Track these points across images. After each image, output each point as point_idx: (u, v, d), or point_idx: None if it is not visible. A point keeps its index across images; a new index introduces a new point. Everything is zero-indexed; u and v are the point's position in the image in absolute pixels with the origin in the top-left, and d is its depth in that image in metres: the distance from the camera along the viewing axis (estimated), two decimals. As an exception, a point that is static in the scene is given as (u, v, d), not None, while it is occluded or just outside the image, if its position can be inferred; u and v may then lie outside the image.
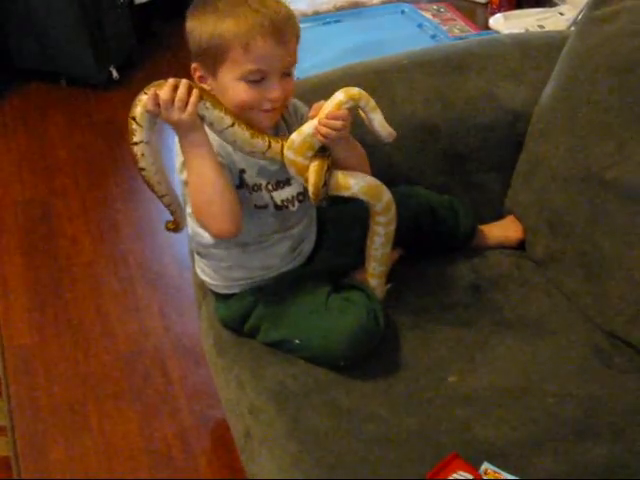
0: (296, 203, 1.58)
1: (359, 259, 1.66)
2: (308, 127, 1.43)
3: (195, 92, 1.35)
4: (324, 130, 1.41)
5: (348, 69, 1.88)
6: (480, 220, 1.84)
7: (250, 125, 1.44)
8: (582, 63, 1.72)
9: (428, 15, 2.77)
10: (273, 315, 1.58)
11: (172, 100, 1.34)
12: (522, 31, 2.50)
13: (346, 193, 1.50)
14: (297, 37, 1.47)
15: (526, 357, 1.55)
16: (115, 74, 3.54)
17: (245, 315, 1.60)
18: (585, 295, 1.65)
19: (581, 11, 1.86)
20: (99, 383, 2.18)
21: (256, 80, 1.43)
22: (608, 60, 1.66)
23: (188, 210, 1.56)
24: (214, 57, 1.43)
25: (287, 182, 1.56)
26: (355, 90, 1.44)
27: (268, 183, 1.54)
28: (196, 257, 1.68)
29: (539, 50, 1.93)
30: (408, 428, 1.40)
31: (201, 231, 1.56)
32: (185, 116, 1.36)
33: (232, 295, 1.63)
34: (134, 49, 3.70)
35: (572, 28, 1.94)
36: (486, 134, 1.86)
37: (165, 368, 2.22)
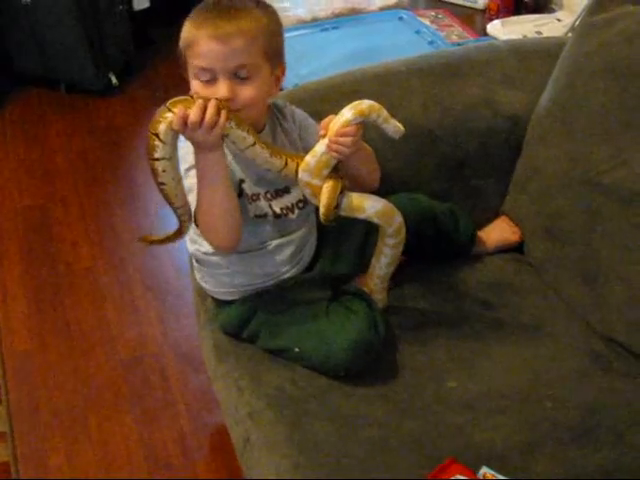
0: (296, 210, 1.58)
1: (359, 266, 1.66)
2: (320, 147, 1.43)
3: (223, 113, 1.33)
4: (335, 147, 1.40)
5: (346, 75, 1.89)
6: (478, 225, 1.85)
7: (268, 144, 1.45)
8: (579, 69, 1.73)
9: (426, 21, 2.78)
10: (273, 322, 1.58)
11: (201, 121, 1.31)
12: (520, 37, 2.51)
13: (360, 215, 1.50)
14: (249, 38, 1.43)
15: (525, 362, 1.55)
16: (114, 80, 3.54)
17: (245, 321, 1.60)
18: (583, 300, 1.66)
19: (578, 17, 1.87)
20: (98, 389, 2.18)
21: (207, 80, 1.43)
22: (605, 65, 1.67)
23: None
24: (183, 61, 1.47)
25: (286, 190, 1.56)
26: (364, 105, 1.41)
27: (267, 192, 1.55)
28: (195, 264, 1.69)
29: (537, 56, 1.94)
30: (407, 433, 1.41)
31: (200, 239, 1.57)
32: (211, 138, 1.34)
33: (232, 301, 1.63)
34: (133, 55, 3.71)
35: (569, 34, 1.95)
36: (484, 140, 1.87)
37: (164, 374, 2.22)
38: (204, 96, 1.36)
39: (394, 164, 1.80)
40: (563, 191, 1.71)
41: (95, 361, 2.27)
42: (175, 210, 1.45)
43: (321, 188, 1.45)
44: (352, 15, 2.81)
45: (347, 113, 1.41)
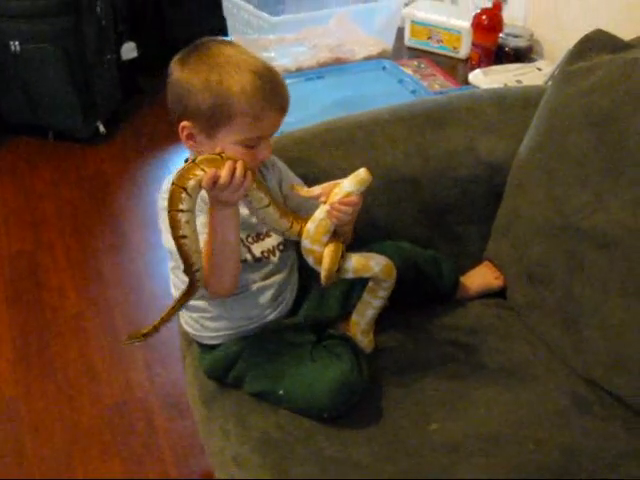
0: (277, 253, 1.61)
1: (345, 309, 1.68)
2: (320, 213, 1.46)
3: (249, 175, 1.36)
4: (336, 214, 1.43)
5: (331, 123, 1.92)
6: (461, 270, 1.87)
7: (279, 205, 1.48)
8: (559, 116, 1.76)
9: (409, 71, 2.81)
10: (257, 366, 1.58)
11: (229, 183, 1.34)
12: (501, 86, 2.54)
13: (367, 274, 1.54)
14: None
15: (507, 405, 1.56)
16: (102, 129, 3.58)
17: (229, 366, 1.60)
18: (564, 343, 1.67)
19: (558, 66, 1.90)
20: (84, 434, 2.18)
21: (252, 145, 1.47)
22: (584, 113, 1.70)
23: (171, 264, 1.58)
24: (215, 120, 1.45)
25: (267, 233, 1.59)
26: (363, 174, 1.43)
27: (248, 236, 1.57)
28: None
29: (517, 104, 1.97)
30: (391, 475, 1.41)
31: (182, 285, 1.58)
32: (236, 198, 1.37)
33: (216, 346, 1.64)
34: (121, 104, 3.75)
35: (549, 83, 1.98)
36: (466, 187, 1.89)
37: (150, 419, 2.22)
38: (233, 156, 1.37)
39: (377, 211, 1.83)
40: (543, 236, 1.73)
41: (81, 407, 2.27)
42: (194, 274, 1.41)
43: (322, 254, 1.48)
44: (336, 65, 2.85)
45: (348, 186, 1.43)
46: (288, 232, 1.50)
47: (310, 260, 1.50)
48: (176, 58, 1.51)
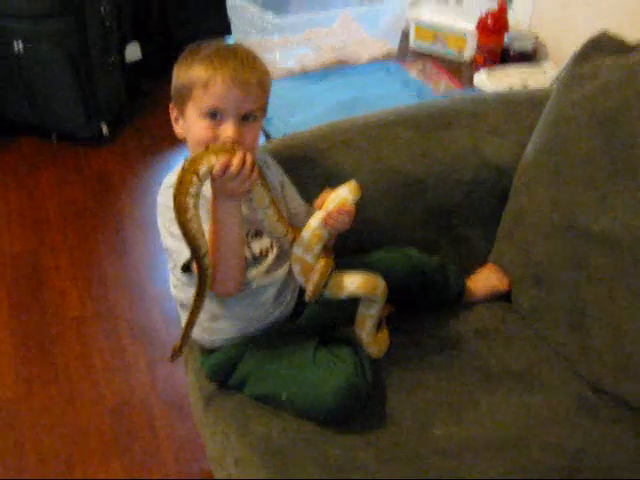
0: (275, 250, 1.60)
1: (349, 312, 1.66)
2: (315, 220, 1.46)
3: (256, 168, 1.37)
4: (333, 222, 1.44)
5: (334, 125, 1.91)
6: (466, 273, 1.86)
7: (278, 209, 1.48)
8: (565, 118, 1.75)
9: (413, 73, 2.80)
10: (259, 369, 1.57)
11: (238, 173, 1.34)
12: (506, 88, 2.53)
13: (343, 295, 1.52)
14: (262, 88, 1.50)
15: (512, 409, 1.55)
16: (105, 130, 3.57)
17: (231, 369, 1.60)
18: (570, 347, 1.66)
19: (564, 69, 1.89)
20: (85, 437, 2.17)
21: (214, 118, 1.46)
22: (590, 115, 1.69)
23: (170, 265, 1.57)
24: (182, 96, 1.49)
25: None
26: (355, 184, 1.46)
27: (248, 232, 1.56)
28: (179, 310, 1.68)
29: (522, 106, 1.96)
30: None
31: (181, 284, 1.57)
32: (241, 190, 1.37)
33: (218, 348, 1.63)
34: (124, 106, 3.74)
35: (555, 85, 1.97)
36: (471, 189, 1.88)
37: (151, 422, 2.21)
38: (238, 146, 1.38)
39: (381, 213, 1.82)
40: (549, 239, 1.72)
41: (82, 409, 2.26)
42: (202, 259, 1.38)
43: (311, 266, 1.47)
44: (340, 66, 2.83)
45: (345, 193, 1.45)
46: (283, 238, 1.50)
47: (296, 268, 1.49)
48: None
